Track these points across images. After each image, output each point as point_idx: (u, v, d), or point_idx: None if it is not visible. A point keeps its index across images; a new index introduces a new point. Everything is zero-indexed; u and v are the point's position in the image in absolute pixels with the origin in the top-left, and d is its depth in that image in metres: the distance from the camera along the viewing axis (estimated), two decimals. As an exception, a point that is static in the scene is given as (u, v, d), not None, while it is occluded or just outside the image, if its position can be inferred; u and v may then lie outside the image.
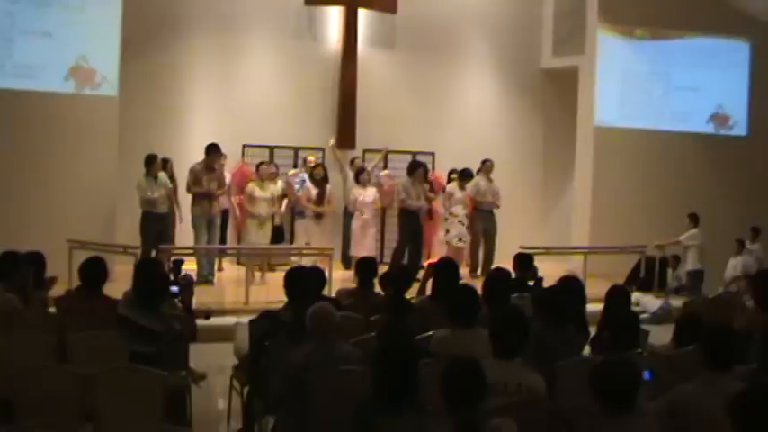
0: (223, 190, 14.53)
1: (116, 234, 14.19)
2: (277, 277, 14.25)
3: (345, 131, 17.46)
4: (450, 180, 16.44)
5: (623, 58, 17.86)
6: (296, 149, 16.96)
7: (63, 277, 10.55)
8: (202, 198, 14.08)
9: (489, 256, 15.96)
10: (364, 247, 14.89)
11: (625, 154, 17.67)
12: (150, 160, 14.04)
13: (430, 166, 17.68)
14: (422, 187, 15.46)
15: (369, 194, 15.23)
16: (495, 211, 16.18)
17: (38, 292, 8.39)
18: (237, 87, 17.03)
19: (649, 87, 18.12)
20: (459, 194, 15.70)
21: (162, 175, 14.15)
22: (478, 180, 16.08)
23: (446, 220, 15.87)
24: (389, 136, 17.55)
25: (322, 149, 17.14)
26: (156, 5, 16.16)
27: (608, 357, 5.48)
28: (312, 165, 15.70)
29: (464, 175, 15.85)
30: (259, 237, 14.68)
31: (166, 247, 13.56)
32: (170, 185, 14.38)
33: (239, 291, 13.32)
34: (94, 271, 8.17)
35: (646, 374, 6.27)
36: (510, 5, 18.84)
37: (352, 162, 16.60)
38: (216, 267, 14.86)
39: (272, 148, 16.90)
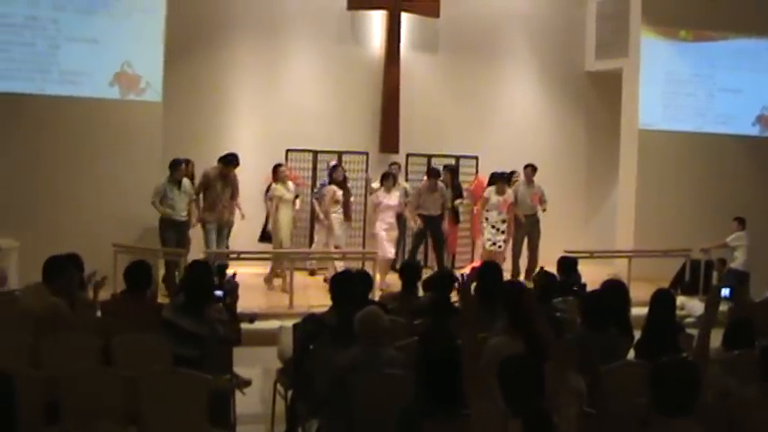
0: (236, 199, 14.38)
1: (156, 237, 14.21)
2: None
3: (388, 135, 17.44)
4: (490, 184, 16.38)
5: (667, 60, 17.68)
6: (339, 153, 16.93)
7: (108, 281, 10.60)
8: (215, 204, 13.98)
9: (533, 262, 15.88)
10: (388, 251, 14.86)
11: (669, 157, 17.49)
12: (175, 165, 13.84)
13: (473, 170, 17.68)
14: (438, 195, 15.47)
15: (393, 198, 15.18)
16: (539, 214, 16.07)
17: (81, 294, 8.44)
18: (281, 91, 17.05)
19: (693, 89, 17.92)
20: (494, 199, 15.62)
21: (186, 182, 14.00)
22: (518, 185, 16.02)
23: (481, 223, 15.90)
24: (433, 139, 17.54)
25: (366, 153, 17.14)
26: (200, 11, 16.22)
27: (670, 359, 5.40)
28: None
29: (500, 178, 15.76)
30: (290, 240, 14.72)
31: (224, 251, 13.65)
32: (192, 192, 14.09)
33: (284, 295, 13.33)
34: (139, 275, 8.25)
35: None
36: (552, 8, 18.72)
37: (390, 166, 16.61)
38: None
39: (315, 152, 16.91)
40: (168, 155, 14.27)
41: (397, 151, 17.40)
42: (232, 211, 14.29)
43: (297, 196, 15.14)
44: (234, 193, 14.24)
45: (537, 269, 12.59)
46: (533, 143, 18.30)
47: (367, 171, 16.85)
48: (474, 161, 17.89)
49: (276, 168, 14.81)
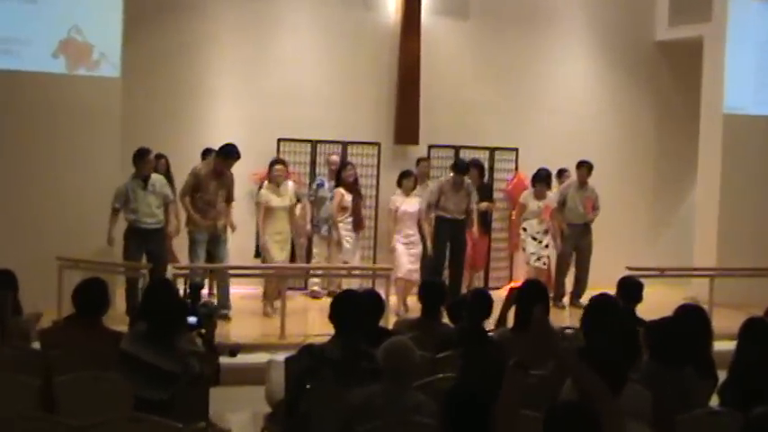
0: (231, 204, 14.39)
1: (119, 250, 14.16)
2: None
3: (406, 122, 17.43)
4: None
5: (762, 25, 17.53)
6: (344, 144, 16.98)
7: (51, 304, 10.60)
8: (207, 209, 13.89)
9: (581, 282, 15.87)
10: (406, 269, 14.81)
11: (764, 149, 17.44)
12: (142, 156, 13.64)
13: (512, 165, 17.67)
14: (464, 194, 15.40)
15: (413, 204, 15.10)
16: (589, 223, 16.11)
17: (16, 320, 8.41)
18: (271, 68, 17.06)
19: (798, 63, 17.79)
20: (533, 205, 15.63)
21: (156, 179, 13.87)
22: (567, 187, 15.99)
23: (519, 235, 15.99)
24: (461, 128, 17.52)
25: (377, 144, 17.18)
26: (171, -35, 16.29)
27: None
28: (335, 166, 15.78)
29: (539, 180, 15.76)
30: (283, 257, 14.66)
31: (190, 266, 13.61)
32: (168, 192, 13.98)
33: (273, 321, 13.31)
34: (92, 296, 8.17)
35: None
36: (614, -39, 18.76)
37: (417, 163, 16.61)
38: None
39: (314, 143, 16.95)
40: (129, 145, 14.22)
41: (416, 141, 17.42)
42: (224, 219, 14.23)
43: (298, 201, 15.06)
44: (229, 196, 14.20)
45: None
46: (588, 132, 18.33)
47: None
48: (513, 154, 17.94)
49: (271, 166, 14.78)
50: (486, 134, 17.70)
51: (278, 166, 14.68)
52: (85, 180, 14.03)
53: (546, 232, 15.73)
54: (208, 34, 16.64)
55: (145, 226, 13.59)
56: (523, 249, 16.00)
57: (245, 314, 14.30)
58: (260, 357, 10.67)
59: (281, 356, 8.29)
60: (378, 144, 17.21)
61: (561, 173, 16.58)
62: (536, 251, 15.66)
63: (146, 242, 13.60)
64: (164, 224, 13.83)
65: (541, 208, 15.67)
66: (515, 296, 8.93)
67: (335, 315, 7.42)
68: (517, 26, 18.15)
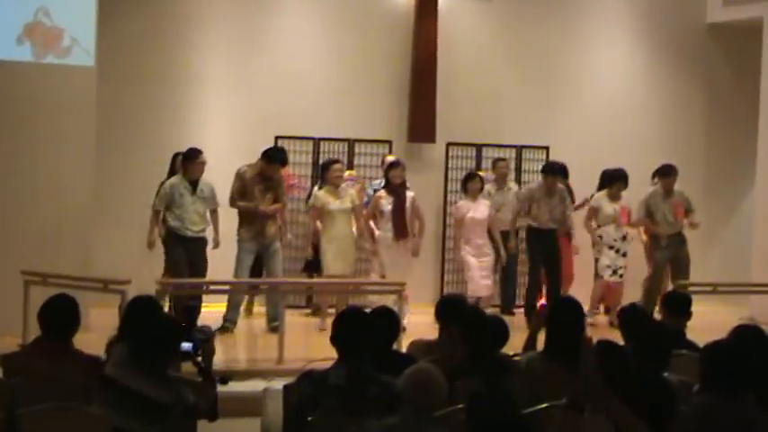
0: (281, 205, 14.62)
1: (92, 262, 14.19)
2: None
3: (421, 118, 17.44)
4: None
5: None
6: (351, 142, 16.99)
7: (14, 325, 10.53)
8: (252, 216, 14.17)
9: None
10: (482, 284, 14.82)
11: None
12: (192, 157, 13.93)
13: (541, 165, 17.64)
14: (558, 200, 15.38)
15: (481, 210, 15.08)
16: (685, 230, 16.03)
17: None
18: (267, 56, 17.09)
19: None
20: (608, 209, 15.56)
21: (205, 184, 14.13)
22: (651, 197, 15.86)
23: (593, 245, 15.94)
24: (483, 123, 17.50)
25: (388, 142, 17.18)
26: (152, -62, 16.28)
27: None
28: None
29: (617, 179, 15.71)
30: (341, 266, 14.74)
31: (176, 281, 13.54)
32: (217, 200, 14.27)
33: (269, 343, 13.27)
34: (62, 316, 8.11)
35: None
36: (658, -67, 18.74)
37: (494, 165, 16.69)
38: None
39: (316, 141, 16.95)
40: (104, 143, 14.25)
41: (432, 140, 17.45)
42: (276, 224, 14.53)
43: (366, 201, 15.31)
44: (277, 198, 14.45)
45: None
46: (629, 128, 18.37)
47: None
48: (543, 153, 17.94)
49: (328, 166, 14.94)
50: (513, 131, 17.72)
51: (336, 166, 14.97)
52: (57, 181, 13.97)
53: (624, 239, 15.69)
54: (194, 16, 16.64)
55: (190, 234, 13.95)
56: (596, 260, 15.98)
57: (236, 335, 14.28)
58: (254, 385, 10.65)
59: (278, 384, 8.25)
60: (389, 142, 17.23)
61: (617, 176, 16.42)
62: (612, 263, 15.66)
63: (187, 251, 13.92)
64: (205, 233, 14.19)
65: (617, 211, 15.64)
66: (547, 315, 8.86)
67: (339, 336, 7.35)
68: (547, 7, 18.20)
